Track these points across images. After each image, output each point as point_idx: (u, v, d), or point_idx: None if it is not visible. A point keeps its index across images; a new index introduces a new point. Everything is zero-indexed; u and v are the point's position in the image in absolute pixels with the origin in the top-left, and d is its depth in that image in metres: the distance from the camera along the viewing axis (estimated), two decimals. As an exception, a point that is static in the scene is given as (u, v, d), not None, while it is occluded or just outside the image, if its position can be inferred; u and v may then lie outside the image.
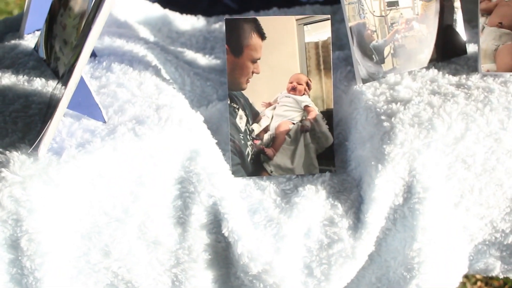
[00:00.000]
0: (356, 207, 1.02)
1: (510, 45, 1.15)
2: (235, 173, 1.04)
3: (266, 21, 1.04)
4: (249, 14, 1.53)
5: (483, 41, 1.15)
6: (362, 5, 1.09)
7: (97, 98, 0.93)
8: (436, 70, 1.15)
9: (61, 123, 0.93)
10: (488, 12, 1.16)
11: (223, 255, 0.98)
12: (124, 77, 1.04)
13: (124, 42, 1.15)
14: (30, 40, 1.17)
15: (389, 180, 1.00)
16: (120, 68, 1.06)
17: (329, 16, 1.05)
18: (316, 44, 1.06)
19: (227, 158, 1.03)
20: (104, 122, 0.94)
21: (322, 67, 1.06)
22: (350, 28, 1.08)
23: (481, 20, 1.15)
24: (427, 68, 1.15)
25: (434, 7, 1.17)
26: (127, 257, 0.93)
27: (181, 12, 1.53)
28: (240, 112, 1.04)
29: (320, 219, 1.00)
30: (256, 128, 1.05)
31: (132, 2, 1.41)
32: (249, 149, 1.05)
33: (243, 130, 1.05)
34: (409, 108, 1.04)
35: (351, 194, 1.03)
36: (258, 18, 1.04)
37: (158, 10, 1.45)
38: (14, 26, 1.23)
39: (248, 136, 1.05)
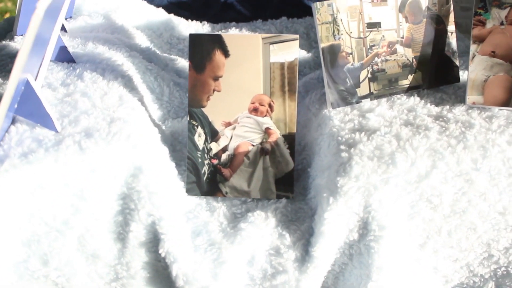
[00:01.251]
0: (305, 239, 0.97)
1: (501, 76, 1.05)
2: (189, 191, 1.02)
3: (231, 38, 1.01)
4: (257, 23, 1.49)
5: (473, 71, 1.06)
6: (338, 26, 1.03)
7: (48, 108, 0.94)
8: (418, 99, 1.07)
9: (14, 130, 0.95)
10: (480, 40, 1.06)
11: (164, 274, 0.97)
12: (92, 86, 1.05)
13: (105, 49, 1.16)
14: (20, 41, 1.20)
15: (341, 214, 0.94)
16: (90, 77, 1.07)
17: (297, 36, 1.01)
18: (282, 64, 1.01)
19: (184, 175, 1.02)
20: (56, 131, 0.95)
21: (286, 89, 1.02)
22: (322, 49, 1.03)
23: (473, 47, 1.07)
24: (410, 95, 1.08)
25: (424, 30, 1.09)
26: (66, 267, 0.94)
27: (193, 17, 1.52)
28: (199, 130, 1.03)
29: (266, 248, 0.97)
30: (214, 147, 1.03)
31: (135, 7, 1.41)
32: (205, 168, 1.03)
33: (201, 148, 1.03)
34: (373, 139, 0.98)
35: (302, 225, 0.98)
36: (223, 34, 1.01)
37: (162, 15, 1.44)
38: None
39: (205, 155, 1.03)
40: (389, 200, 0.95)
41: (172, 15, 1.46)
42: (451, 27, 1.11)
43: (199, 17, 1.53)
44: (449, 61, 1.11)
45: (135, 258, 0.95)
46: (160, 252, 0.93)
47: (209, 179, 1.03)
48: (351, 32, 1.04)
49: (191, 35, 1.01)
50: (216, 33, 1.02)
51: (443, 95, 1.09)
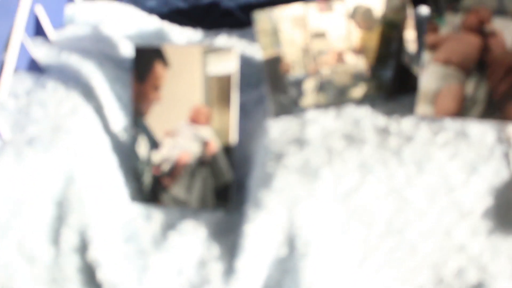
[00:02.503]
0: (232, 251, 0.96)
1: (454, 86, 0.98)
2: (132, 199, 1.05)
3: (172, 49, 1.02)
4: (250, 29, 1.49)
5: (425, 80, 1.00)
6: (279, 35, 1.01)
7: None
8: (368, 109, 1.03)
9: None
10: (434, 47, 1.00)
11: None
12: (51, 95, 1.10)
13: (78, 59, 1.21)
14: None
15: (264, 227, 0.93)
16: (53, 86, 1.12)
17: (236, 47, 1.00)
18: (220, 76, 1.01)
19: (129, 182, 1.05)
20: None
21: (225, 99, 1.01)
22: (264, 59, 1.01)
23: (426, 55, 1.00)
24: (360, 106, 1.03)
25: (378, 38, 1.04)
26: (5, 268, 0.99)
27: (191, 23, 1.54)
28: (142, 139, 1.05)
29: (195, 258, 0.97)
30: (156, 156, 1.04)
31: (127, 15, 1.45)
32: (147, 177, 1.05)
33: (143, 157, 1.05)
34: (304, 151, 0.95)
35: (233, 237, 0.97)
36: (164, 46, 1.02)
37: (154, 23, 1.48)
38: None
39: (147, 164, 1.05)
40: (314, 215, 0.92)
41: (165, 22, 1.49)
42: (410, 34, 1.05)
43: (198, 24, 1.55)
44: (407, 70, 1.05)
45: (69, 262, 0.99)
46: (86, 258, 0.97)
47: (150, 187, 1.04)
48: (294, 41, 1.02)
49: (135, 48, 1.04)
50: (158, 45, 1.03)
51: (396, 106, 1.03)
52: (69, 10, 1.43)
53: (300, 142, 0.97)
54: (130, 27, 1.44)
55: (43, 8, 1.30)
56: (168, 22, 1.51)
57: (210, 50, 1.01)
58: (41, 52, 1.23)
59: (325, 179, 0.92)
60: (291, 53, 1.02)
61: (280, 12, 1.01)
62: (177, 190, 1.03)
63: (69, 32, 1.38)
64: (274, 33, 1.01)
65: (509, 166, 0.91)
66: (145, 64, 1.03)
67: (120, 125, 1.16)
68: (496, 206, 0.92)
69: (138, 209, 1.04)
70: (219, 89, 1.01)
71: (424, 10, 1.44)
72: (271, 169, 0.94)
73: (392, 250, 0.94)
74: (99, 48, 1.29)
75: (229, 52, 1.00)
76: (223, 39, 1.42)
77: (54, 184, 0.98)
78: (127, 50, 1.37)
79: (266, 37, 1.00)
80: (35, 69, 1.18)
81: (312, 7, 1.02)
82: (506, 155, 0.92)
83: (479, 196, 0.92)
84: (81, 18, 1.42)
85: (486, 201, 0.92)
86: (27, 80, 1.16)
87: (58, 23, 1.40)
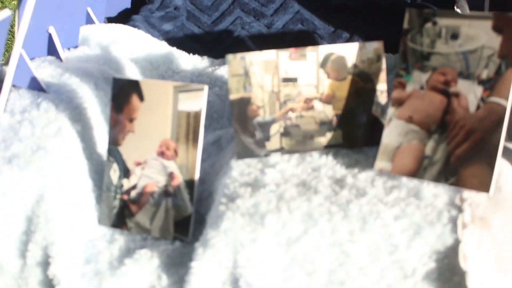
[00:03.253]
0: (181, 284, 1.00)
1: (415, 145, 0.98)
2: (100, 221, 1.11)
3: (147, 84, 1.07)
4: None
5: (387, 135, 1.00)
6: (250, 78, 1.04)
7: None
8: (331, 158, 1.04)
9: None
10: (399, 103, 1.00)
11: (58, 293, 1.07)
12: (42, 115, 1.18)
13: (77, 80, 1.28)
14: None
15: (209, 266, 0.96)
16: (46, 107, 1.20)
17: (204, 86, 1.04)
18: (188, 113, 1.05)
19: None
20: None
21: (190, 136, 1.05)
22: (232, 101, 1.04)
23: (391, 110, 1.00)
24: (324, 154, 1.05)
25: (348, 88, 1.05)
26: None
27: (203, 50, 1.60)
28: (115, 166, 1.10)
29: (144, 286, 1.01)
30: (126, 183, 1.10)
31: (138, 39, 1.52)
32: (116, 202, 1.10)
33: (115, 183, 1.10)
34: (255, 195, 0.97)
35: (182, 270, 1.01)
36: (140, 80, 1.08)
37: (164, 48, 1.54)
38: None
39: (118, 189, 1.10)
40: (258, 260, 0.95)
41: (174, 48, 1.55)
42: (382, 86, 1.05)
43: (210, 51, 1.60)
44: (376, 122, 1.06)
45: (33, 275, 1.06)
46: (48, 273, 1.03)
47: (118, 212, 1.10)
48: (263, 86, 1.04)
49: (114, 79, 1.10)
50: (135, 79, 1.09)
51: (361, 157, 1.04)
52: (84, 31, 1.51)
53: (255, 185, 0.99)
54: (139, 51, 1.51)
55: (54, 28, 1.39)
56: (180, 47, 1.57)
57: (182, 88, 1.05)
58: (46, 71, 1.31)
59: (268, 226, 0.94)
60: (260, 97, 1.04)
61: (253, 56, 1.04)
62: (142, 217, 1.08)
63: (80, 52, 1.46)
64: (245, 76, 1.04)
65: (457, 231, 0.90)
66: (122, 96, 1.08)
67: (104, 149, 1.22)
68: (438, 270, 0.91)
69: (103, 231, 1.10)
70: (187, 126, 1.05)
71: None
72: (222, 209, 0.97)
73: (335, 303, 0.95)
74: (101, 71, 1.36)
75: (199, 91, 1.04)
76: (226, 69, 1.46)
77: (25, 201, 1.05)
78: (130, 73, 1.43)
79: (236, 79, 1.04)
80: (37, 87, 1.26)
81: (284, 54, 1.04)
82: (455, 220, 0.91)
83: (421, 259, 0.91)
84: (95, 39, 1.50)
85: (428, 264, 0.91)
86: (26, 98, 1.24)
87: (73, 42, 1.49)
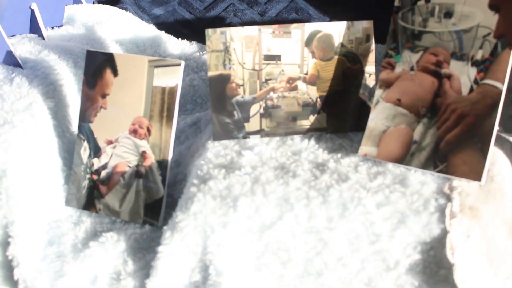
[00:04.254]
0: (148, 269, 0.93)
1: (402, 129, 0.91)
2: (67, 202, 1.04)
3: (121, 58, 1.01)
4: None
5: (373, 119, 0.93)
6: (230, 55, 0.98)
7: None
8: (313, 143, 0.97)
9: None
10: (387, 85, 0.93)
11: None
12: (14, 90, 1.11)
13: (55, 58, 1.22)
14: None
15: (177, 250, 0.89)
16: (19, 82, 1.13)
17: (181, 61, 0.97)
18: (163, 89, 0.99)
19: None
20: None
21: (165, 114, 0.99)
22: (210, 78, 0.98)
23: (378, 92, 0.94)
24: (306, 138, 0.98)
25: (334, 69, 0.98)
26: None
27: (194, 36, 1.54)
28: (85, 144, 1.04)
29: (109, 271, 0.95)
30: (96, 163, 1.03)
31: (126, 21, 1.47)
32: (86, 182, 1.04)
33: (84, 162, 1.04)
34: (228, 177, 0.91)
35: (150, 255, 0.94)
36: (114, 54, 1.01)
37: (151, 31, 1.48)
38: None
39: (88, 169, 1.04)
40: (229, 245, 0.88)
41: (163, 32, 1.49)
42: (370, 68, 0.99)
43: (199, 37, 1.54)
44: (363, 105, 0.99)
45: (-10, 256, 0.99)
46: (7, 254, 0.96)
47: (87, 193, 1.03)
48: (244, 63, 0.98)
49: (88, 51, 1.04)
50: (109, 52, 1.03)
51: (345, 142, 0.97)
52: (70, 10, 1.46)
53: (229, 167, 0.93)
54: (125, 33, 1.45)
55: (37, 6, 1.34)
56: (170, 32, 1.51)
57: (158, 62, 0.99)
58: (24, 48, 1.26)
59: (240, 210, 0.87)
60: (240, 75, 0.98)
61: (234, 32, 0.97)
62: (111, 199, 1.02)
63: (64, 31, 1.40)
64: (224, 53, 0.98)
65: (445, 221, 0.83)
66: (96, 70, 1.02)
67: (76, 128, 1.16)
68: (423, 262, 0.84)
69: (69, 213, 1.03)
70: (161, 102, 0.99)
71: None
72: (193, 191, 0.91)
73: (310, 294, 0.88)
74: (83, 49, 1.30)
75: (175, 66, 0.98)
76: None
77: (-13, 176, 0.99)
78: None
79: (215, 55, 0.97)
80: (12, 63, 1.21)
81: (267, 30, 0.98)
82: (443, 210, 0.84)
83: (405, 250, 0.84)
84: (80, 19, 1.45)
85: (412, 256, 0.84)
86: (0, 73, 1.18)
87: (57, 21, 1.43)
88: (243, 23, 1.56)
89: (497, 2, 0.86)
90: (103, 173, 1.03)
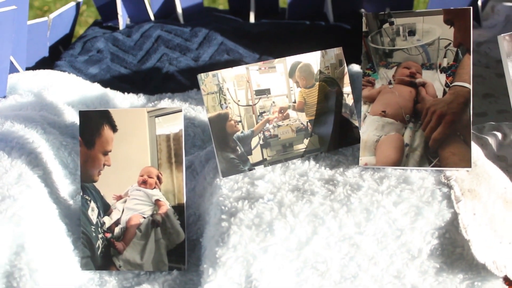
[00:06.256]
0: (193, 312, 0.96)
1: (392, 136, 1.04)
2: (83, 266, 1.03)
3: (118, 113, 1.04)
4: (191, 92, 1.53)
5: (364, 131, 1.05)
6: (224, 95, 1.05)
7: None
8: (313, 163, 1.07)
9: None
10: (371, 100, 1.06)
11: None
12: (-5, 165, 1.08)
13: (21, 127, 1.20)
14: None
15: (221, 285, 0.93)
16: (-5, 156, 1.10)
17: (180, 108, 1.03)
18: (168, 136, 1.03)
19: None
20: None
21: (173, 160, 1.03)
22: (210, 119, 1.04)
23: (363, 108, 1.06)
24: (305, 159, 1.07)
25: (317, 94, 1.09)
26: None
27: (134, 89, 1.57)
28: (92, 204, 1.04)
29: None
30: (107, 221, 1.04)
31: (70, 83, 1.46)
32: (99, 242, 1.03)
33: (94, 222, 1.04)
34: (255, 207, 0.97)
35: (190, 297, 0.97)
36: (110, 110, 1.04)
37: (97, 90, 1.49)
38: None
39: (99, 229, 1.04)
40: (271, 269, 0.94)
41: (108, 89, 1.51)
42: (347, 89, 1.11)
43: (141, 90, 1.58)
44: (347, 123, 1.11)
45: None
46: (39, 329, 0.94)
47: (103, 253, 1.03)
48: (239, 101, 1.05)
49: (80, 112, 1.05)
50: (104, 109, 1.05)
51: (340, 157, 1.08)
52: (11, 79, 1.43)
53: (250, 198, 0.99)
54: (73, 95, 1.45)
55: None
56: (110, 89, 1.53)
57: (157, 112, 1.03)
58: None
59: (277, 233, 0.94)
60: (237, 112, 1.05)
61: (225, 73, 1.05)
62: (131, 253, 1.03)
63: (12, 101, 1.37)
64: (219, 94, 1.04)
65: (454, 206, 0.96)
66: (92, 129, 1.04)
67: (66, 193, 1.15)
68: (441, 246, 0.96)
69: (89, 276, 1.02)
70: (168, 149, 1.03)
71: (355, 67, 1.53)
72: (225, 225, 0.95)
73: (348, 298, 0.97)
74: (42, 116, 1.29)
75: (175, 113, 1.03)
76: (166, 103, 1.45)
77: (1, 256, 0.95)
78: (71, 117, 1.37)
79: (211, 97, 1.04)
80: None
81: (254, 68, 1.06)
82: (448, 197, 0.97)
83: (425, 238, 0.96)
84: (24, 87, 1.42)
85: (431, 242, 0.96)
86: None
87: (1, 93, 1.39)
88: (180, 70, 1.62)
89: (450, 17, 1.03)
90: (117, 230, 1.04)
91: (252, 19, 1.81)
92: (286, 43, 1.68)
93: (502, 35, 1.04)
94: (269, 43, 1.69)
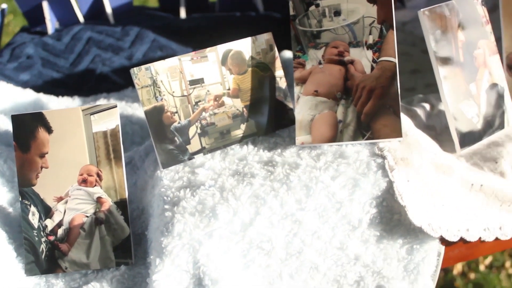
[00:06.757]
0: (143, 304, 0.96)
1: (326, 114, 1.07)
2: (27, 271, 1.01)
3: (52, 114, 1.03)
4: (127, 91, 1.53)
5: (299, 112, 1.08)
6: (159, 87, 1.05)
7: None
8: (252, 146, 1.08)
9: None
10: (302, 81, 1.09)
11: None
12: None
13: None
14: None
15: (169, 274, 0.93)
16: None
17: (115, 103, 1.03)
18: (105, 133, 1.03)
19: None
20: None
21: (112, 156, 1.03)
22: (145, 112, 1.04)
23: (296, 89, 1.09)
24: (243, 144, 1.09)
25: (251, 79, 1.11)
26: None
27: (68, 93, 1.54)
28: (32, 209, 1.02)
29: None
30: (49, 223, 1.03)
31: (1, 90, 1.43)
32: (43, 246, 1.02)
33: (36, 226, 1.02)
34: (197, 194, 0.98)
35: (139, 289, 0.97)
36: (44, 112, 1.03)
37: (30, 95, 1.46)
38: None
39: (42, 233, 1.02)
40: (217, 253, 0.95)
41: (41, 94, 1.48)
42: (279, 72, 1.13)
43: (75, 92, 1.56)
44: (282, 105, 1.13)
45: None
46: None
47: (47, 256, 1.02)
48: (173, 92, 1.06)
49: (13, 116, 1.03)
50: (37, 111, 1.03)
51: (278, 140, 1.10)
52: None
53: (192, 186, 1.00)
54: (5, 102, 1.42)
55: None
56: (44, 94, 1.51)
57: (92, 109, 1.03)
58: None
59: (221, 217, 0.95)
60: (172, 103, 1.06)
61: (157, 66, 1.05)
62: (76, 254, 1.02)
63: None
64: (153, 87, 1.05)
65: (388, 174, 1.00)
66: (26, 132, 1.02)
67: (5, 201, 1.13)
68: (379, 214, 1.00)
69: (35, 281, 1.01)
70: (105, 147, 1.02)
71: (287, 53, 1.56)
72: (169, 215, 0.96)
73: (294, 274, 0.99)
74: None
75: (111, 109, 1.02)
76: (102, 103, 1.44)
77: None
78: (4, 125, 1.34)
79: (146, 90, 1.04)
80: None
81: (187, 58, 1.07)
82: (383, 167, 1.00)
83: (364, 208, 0.99)
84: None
85: (370, 211, 1.00)
86: None
87: None
88: (114, 70, 1.61)
89: (372, -4, 1.06)
90: (60, 231, 1.03)
91: (183, 14, 1.81)
92: (218, 36, 1.68)
93: (421, 10, 1.09)
94: (202, 36, 1.69)
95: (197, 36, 1.70)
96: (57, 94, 1.53)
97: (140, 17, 1.77)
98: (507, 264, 1.86)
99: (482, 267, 1.86)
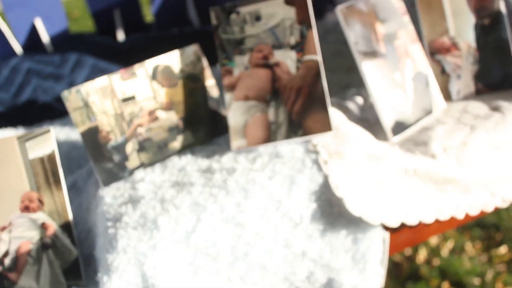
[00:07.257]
0: (95, 322, 0.97)
1: (258, 116, 1.10)
2: (-23, 305, 1.01)
3: (-14, 146, 1.03)
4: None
5: (232, 118, 1.11)
6: (91, 108, 1.07)
7: None
8: (190, 156, 1.11)
9: None
10: (232, 87, 1.12)
11: None
12: None
13: None
14: None
15: (119, 289, 0.95)
16: None
17: (49, 128, 1.04)
18: (41, 159, 1.04)
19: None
20: None
21: (51, 180, 1.04)
22: (81, 134, 1.05)
23: (227, 96, 1.11)
24: (181, 155, 1.11)
25: (182, 91, 1.14)
26: None
27: (10, 124, 1.54)
28: (-24, 242, 1.03)
29: None
30: (-5, 254, 1.03)
31: None
32: (-9, 278, 1.02)
33: (-18, 259, 1.02)
34: (138, 208, 1.00)
35: (91, 309, 0.98)
36: (-22, 145, 1.03)
37: (-30, 132, 1.46)
38: None
39: (-12, 264, 1.02)
40: (163, 264, 0.96)
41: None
42: (210, 82, 1.16)
43: (19, 124, 1.56)
44: (216, 114, 1.16)
45: None
46: None
47: (-4, 287, 1.02)
48: (106, 111, 1.08)
49: None
50: (-30, 144, 1.04)
51: (215, 147, 1.12)
52: None
53: (133, 201, 1.01)
54: None
55: None
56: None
57: (26, 136, 1.03)
58: None
59: (163, 228, 0.96)
60: (106, 122, 1.07)
61: (87, 87, 1.07)
62: (26, 281, 1.02)
63: None
64: (86, 108, 1.06)
65: (323, 169, 1.03)
66: (-38, 166, 1.02)
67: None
68: (320, 208, 1.03)
69: (-13, 313, 1.01)
70: (44, 171, 1.03)
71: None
72: (112, 231, 0.97)
73: (245, 275, 1.01)
74: None
75: (44, 133, 1.03)
76: (46, 131, 1.44)
77: None
78: None
79: (78, 112, 1.05)
80: None
81: (116, 76, 1.09)
82: (317, 162, 1.03)
83: (303, 204, 1.02)
84: None
85: (310, 206, 1.02)
86: None
87: None
88: (57, 99, 1.61)
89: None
90: (7, 261, 1.03)
91: (121, 36, 1.83)
92: (158, 54, 1.70)
93: (339, 6, 1.13)
94: (142, 56, 1.69)
95: (137, 57, 1.71)
96: (0, 126, 1.53)
97: (78, 43, 1.79)
98: (467, 247, 1.91)
99: (445, 252, 1.91)
